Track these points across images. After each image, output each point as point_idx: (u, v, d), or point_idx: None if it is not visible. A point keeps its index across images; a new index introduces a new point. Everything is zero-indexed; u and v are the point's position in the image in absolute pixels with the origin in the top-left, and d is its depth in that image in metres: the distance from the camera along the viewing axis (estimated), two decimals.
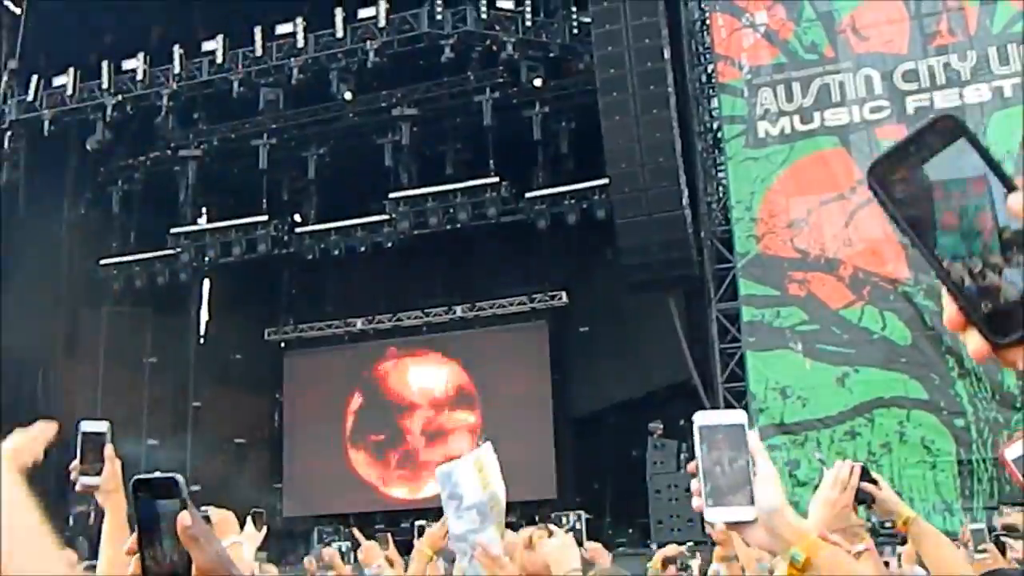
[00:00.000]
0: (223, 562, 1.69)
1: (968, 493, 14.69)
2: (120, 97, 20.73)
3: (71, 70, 20.84)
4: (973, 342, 0.83)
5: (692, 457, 1.73)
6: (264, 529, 4.81)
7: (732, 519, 1.68)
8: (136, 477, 1.67)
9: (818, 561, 1.65)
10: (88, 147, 21.28)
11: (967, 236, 0.82)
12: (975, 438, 14.95)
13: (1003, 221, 0.81)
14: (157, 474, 1.69)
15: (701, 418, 1.76)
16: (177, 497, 1.64)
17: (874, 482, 2.92)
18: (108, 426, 2.84)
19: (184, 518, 1.65)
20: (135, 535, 1.62)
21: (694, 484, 1.71)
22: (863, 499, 2.99)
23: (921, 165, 0.84)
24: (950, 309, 0.83)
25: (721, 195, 17.93)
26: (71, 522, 17.69)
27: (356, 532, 6.18)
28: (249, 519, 4.91)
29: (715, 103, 18.09)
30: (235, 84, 20.26)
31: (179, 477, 1.67)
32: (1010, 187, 0.81)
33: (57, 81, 20.94)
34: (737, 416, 1.77)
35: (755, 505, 1.67)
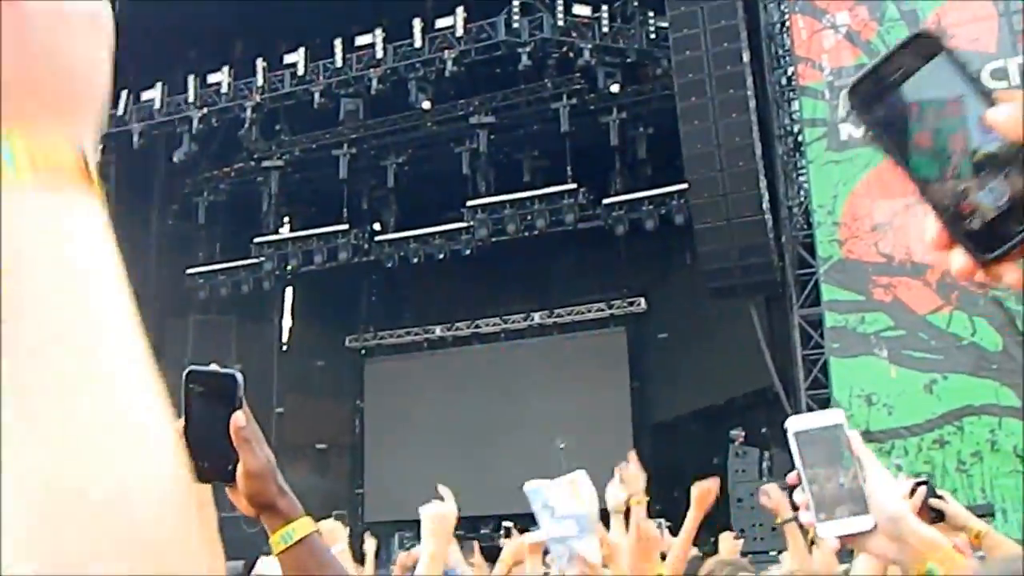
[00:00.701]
0: (272, 470, 1.65)
1: None
2: (205, 110, 21.25)
3: (159, 84, 21.41)
4: (957, 261, 0.80)
5: (792, 467, 1.60)
6: (346, 530, 4.94)
7: (848, 531, 1.54)
8: (191, 368, 1.58)
9: None
10: (175, 159, 21.83)
11: (939, 157, 0.79)
12: None
13: (976, 142, 0.77)
14: (214, 367, 1.63)
15: (795, 423, 1.62)
16: (233, 395, 1.59)
17: (940, 498, 2.85)
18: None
19: (239, 418, 1.60)
20: (181, 424, 1.54)
21: (798, 496, 1.58)
22: (933, 517, 2.96)
23: (900, 85, 0.81)
24: (933, 229, 0.81)
25: (803, 199, 17.64)
26: None
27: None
28: (336, 522, 5.05)
29: (795, 106, 17.82)
30: (316, 95, 20.62)
31: (238, 375, 1.60)
32: (991, 102, 0.77)
33: (145, 95, 21.52)
34: (834, 416, 1.63)
35: (871, 513, 1.53)
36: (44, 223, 0.52)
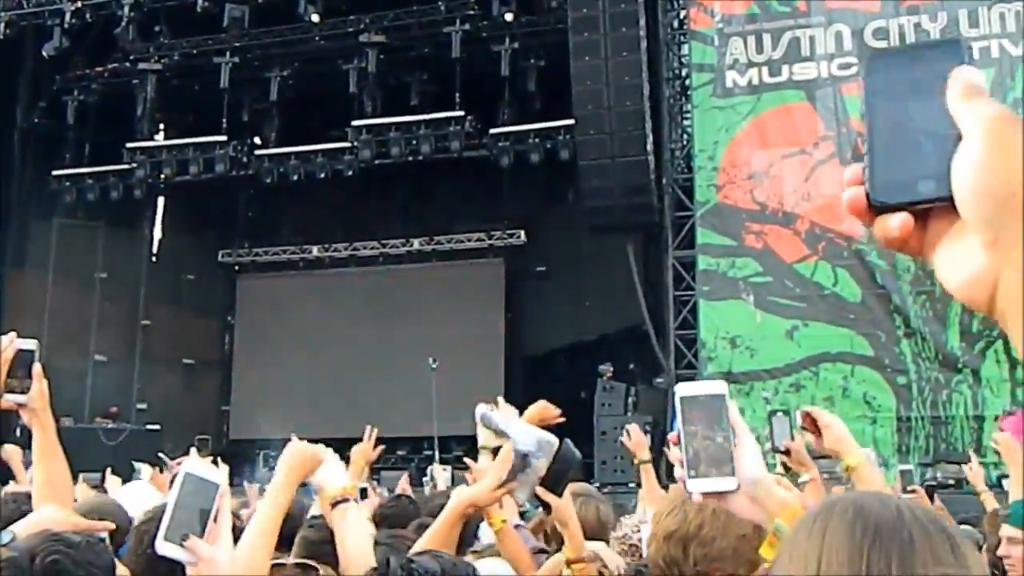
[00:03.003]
0: None
1: (905, 449, 15.06)
2: (79, 3, 20.14)
3: None
4: (851, 192, 0.84)
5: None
6: (208, 459, 4.92)
7: (714, 489, 1.69)
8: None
9: None
10: (44, 54, 20.72)
11: (908, 144, 0.83)
12: (915, 396, 15.30)
13: (933, 123, 0.82)
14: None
15: (682, 389, 1.77)
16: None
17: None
18: (37, 344, 2.81)
19: None
20: None
21: (675, 454, 1.73)
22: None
23: (910, 74, 0.85)
24: (855, 168, 0.85)
25: (685, 143, 17.93)
26: (18, 433, 17.55)
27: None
28: (193, 449, 5.01)
29: (685, 50, 18.01)
30: None
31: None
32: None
33: None
34: (717, 387, 1.78)
35: (736, 475, 1.68)
36: None
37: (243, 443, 22.84)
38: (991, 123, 0.78)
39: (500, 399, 3.25)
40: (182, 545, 1.88)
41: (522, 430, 2.95)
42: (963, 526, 4.26)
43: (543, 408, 3.67)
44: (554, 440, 2.92)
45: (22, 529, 2.44)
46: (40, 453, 2.89)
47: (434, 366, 18.34)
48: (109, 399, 21.22)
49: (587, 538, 3.22)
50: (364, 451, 5.22)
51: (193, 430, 21.16)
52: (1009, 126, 0.77)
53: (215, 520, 1.91)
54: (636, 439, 5.03)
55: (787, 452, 3.58)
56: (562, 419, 3.74)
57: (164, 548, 1.89)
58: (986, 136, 0.77)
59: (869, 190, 0.83)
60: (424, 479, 12.46)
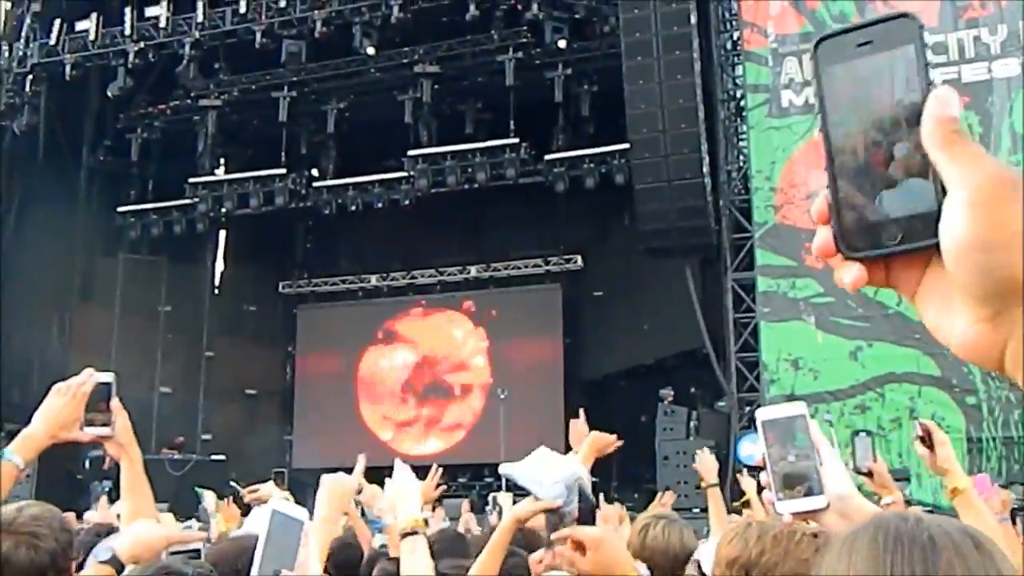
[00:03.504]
0: None
1: (977, 471, 14.68)
2: (142, 44, 20.66)
3: (94, 15, 20.78)
4: (821, 236, 0.80)
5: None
6: (287, 492, 4.98)
7: (804, 509, 1.72)
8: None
9: None
10: (109, 94, 21.27)
11: (863, 139, 0.77)
12: (986, 416, 14.93)
13: (897, 145, 0.76)
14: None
15: (763, 414, 1.80)
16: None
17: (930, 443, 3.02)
18: (114, 377, 2.86)
19: None
20: None
21: (763, 478, 1.76)
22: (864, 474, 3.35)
23: (861, 58, 0.78)
24: (821, 200, 0.81)
25: (742, 164, 17.82)
26: (87, 465, 17.89)
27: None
28: (271, 482, 5.06)
29: (739, 71, 17.92)
30: (258, 35, 20.17)
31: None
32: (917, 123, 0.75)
33: (80, 26, 20.89)
34: (797, 408, 1.80)
35: (825, 493, 1.70)
36: None
37: (305, 472, 23.02)
38: (984, 194, 0.70)
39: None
40: None
41: (548, 480, 2.92)
42: None
43: (596, 440, 3.64)
44: (578, 472, 2.89)
45: (119, 544, 2.49)
46: (129, 487, 2.95)
47: (503, 396, 18.38)
48: (174, 430, 21.54)
49: (669, 563, 3.22)
50: (426, 490, 5.20)
51: (257, 460, 21.36)
52: (1005, 195, 0.69)
53: (302, 554, 1.98)
54: (705, 463, 5.06)
55: (869, 474, 3.57)
56: (620, 443, 3.70)
57: None
58: (979, 209, 0.69)
59: (836, 237, 0.79)
60: (487, 508, 12.45)
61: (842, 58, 0.79)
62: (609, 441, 3.65)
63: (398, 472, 3.07)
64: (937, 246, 0.73)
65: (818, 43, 0.80)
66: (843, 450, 3.64)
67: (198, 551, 2.31)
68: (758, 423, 1.79)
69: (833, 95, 0.79)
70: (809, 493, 1.71)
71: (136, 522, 2.72)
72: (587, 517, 2.85)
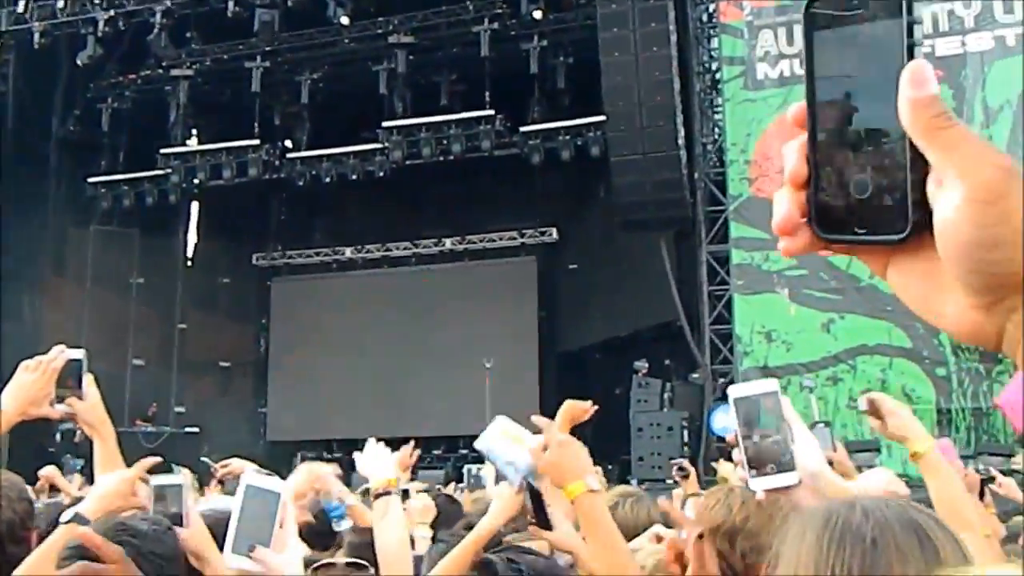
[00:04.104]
0: None
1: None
2: (112, 12, 20.32)
3: None
4: (783, 207, 0.77)
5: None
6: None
7: (777, 485, 1.73)
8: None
9: None
10: (78, 63, 20.94)
11: (845, 111, 0.75)
12: (955, 388, 15.12)
13: (876, 118, 0.73)
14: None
15: (735, 391, 1.80)
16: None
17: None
18: (85, 354, 2.83)
19: None
20: None
21: (735, 455, 1.77)
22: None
23: (851, 25, 0.74)
24: (798, 166, 0.77)
25: (717, 137, 17.84)
26: (59, 438, 17.78)
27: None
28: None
29: (715, 43, 17.90)
30: (230, 3, 19.82)
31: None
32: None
33: None
34: (769, 385, 1.81)
35: (797, 470, 1.71)
36: None
37: (279, 444, 23.01)
38: (987, 191, 0.67)
39: (535, 417, 3.15)
40: (250, 556, 1.90)
41: (521, 464, 2.92)
42: (1017, 518, 4.20)
43: (570, 408, 3.59)
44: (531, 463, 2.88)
45: (82, 505, 2.46)
46: (102, 463, 2.92)
47: (488, 366, 18.43)
48: (147, 403, 21.44)
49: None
50: (402, 458, 5.19)
51: (231, 432, 21.33)
52: (1007, 190, 0.67)
53: (280, 527, 1.94)
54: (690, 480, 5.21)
55: (829, 463, 3.56)
56: (595, 409, 3.68)
57: (232, 560, 1.91)
58: (982, 207, 0.67)
59: (813, 219, 0.75)
60: (464, 479, 12.45)
61: (831, 26, 0.76)
62: (584, 408, 3.62)
63: (369, 446, 3.07)
64: (905, 240, 0.71)
65: (809, 5, 0.77)
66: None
67: (180, 516, 2.26)
68: (730, 400, 1.79)
69: (823, 62, 0.77)
70: (781, 470, 1.71)
71: (101, 477, 2.69)
72: (537, 503, 2.86)
